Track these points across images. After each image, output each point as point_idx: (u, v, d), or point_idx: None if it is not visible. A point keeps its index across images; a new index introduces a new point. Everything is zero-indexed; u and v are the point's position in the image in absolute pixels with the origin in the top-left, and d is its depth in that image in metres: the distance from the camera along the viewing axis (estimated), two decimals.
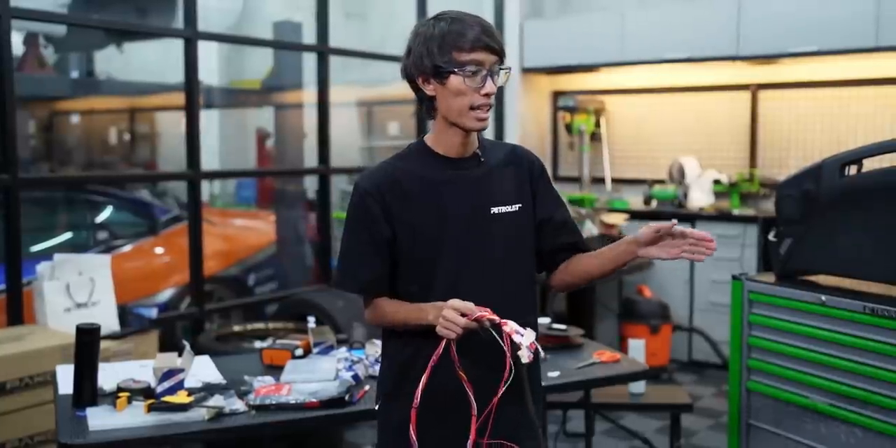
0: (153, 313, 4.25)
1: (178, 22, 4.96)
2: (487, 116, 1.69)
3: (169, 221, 5.18)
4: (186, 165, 4.03)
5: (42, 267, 3.36)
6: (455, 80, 1.65)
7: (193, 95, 3.97)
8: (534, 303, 1.86)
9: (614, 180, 5.97)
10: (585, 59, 5.71)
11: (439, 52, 1.64)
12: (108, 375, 2.30)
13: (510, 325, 1.57)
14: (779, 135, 5.39)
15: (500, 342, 1.57)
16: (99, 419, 2.07)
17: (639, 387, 3.33)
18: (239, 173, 7.13)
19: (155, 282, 4.72)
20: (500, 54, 1.67)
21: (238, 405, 2.18)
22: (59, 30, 5.22)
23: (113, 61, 6.54)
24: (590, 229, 5.00)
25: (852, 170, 2.65)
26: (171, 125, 7.70)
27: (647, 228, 1.69)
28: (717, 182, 5.40)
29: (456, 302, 1.59)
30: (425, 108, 1.74)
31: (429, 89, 1.69)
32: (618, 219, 5.15)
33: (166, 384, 2.18)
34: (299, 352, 2.60)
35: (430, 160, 1.75)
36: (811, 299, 2.67)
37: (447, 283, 1.71)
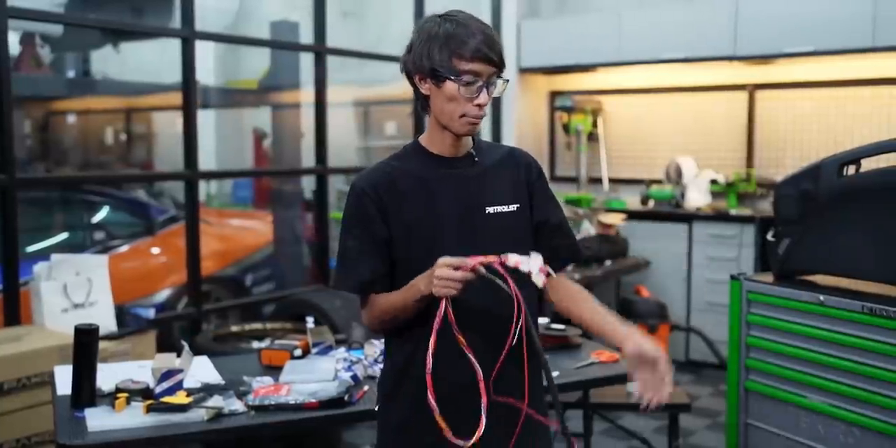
0: (150, 314, 4.23)
1: (175, 22, 4.96)
2: (478, 122, 1.69)
3: (166, 221, 5.17)
4: (183, 165, 4.02)
5: (39, 267, 3.35)
6: (450, 86, 1.65)
7: (190, 95, 3.97)
8: (531, 301, 1.85)
9: (611, 180, 5.97)
10: (582, 59, 5.71)
11: (439, 55, 1.64)
12: (107, 376, 2.29)
13: (511, 258, 1.55)
14: (776, 135, 5.40)
15: (505, 288, 1.54)
16: (98, 420, 2.06)
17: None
18: (236, 173, 7.12)
19: (152, 282, 4.71)
20: (499, 66, 1.67)
21: (237, 406, 2.17)
22: (56, 29, 5.22)
23: (109, 61, 6.54)
24: (587, 229, 5.00)
25: (851, 170, 2.65)
26: (168, 125, 7.69)
27: (634, 349, 1.65)
28: (714, 182, 5.41)
29: (445, 258, 1.57)
30: (421, 104, 1.75)
31: (424, 88, 1.70)
32: (615, 219, 5.14)
33: (165, 385, 2.17)
34: (298, 352, 2.59)
35: (425, 159, 1.75)
36: (809, 299, 2.67)
37: None
